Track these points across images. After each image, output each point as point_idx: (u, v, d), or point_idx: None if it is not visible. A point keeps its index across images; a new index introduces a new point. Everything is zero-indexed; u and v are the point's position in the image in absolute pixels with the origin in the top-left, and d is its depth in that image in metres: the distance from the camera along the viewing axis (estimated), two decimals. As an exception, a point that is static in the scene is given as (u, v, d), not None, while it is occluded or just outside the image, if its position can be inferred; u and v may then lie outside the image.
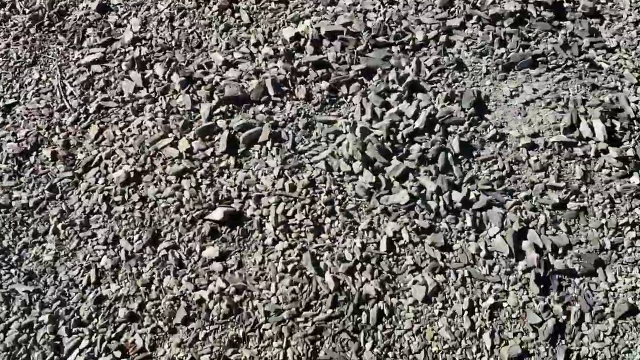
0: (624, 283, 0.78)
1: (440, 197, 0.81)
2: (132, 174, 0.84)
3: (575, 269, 0.78)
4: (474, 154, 0.82)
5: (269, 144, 0.85)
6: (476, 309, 0.74)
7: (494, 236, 0.78)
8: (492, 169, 0.82)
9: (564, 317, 0.73)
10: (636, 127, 0.91)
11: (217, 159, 0.85)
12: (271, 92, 0.87)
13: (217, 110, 0.87)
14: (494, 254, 0.77)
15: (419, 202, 0.79)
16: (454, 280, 0.76)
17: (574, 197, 0.82)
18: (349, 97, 0.89)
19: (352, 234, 0.78)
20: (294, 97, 0.87)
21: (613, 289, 0.78)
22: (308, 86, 0.88)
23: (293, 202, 0.81)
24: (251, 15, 0.96)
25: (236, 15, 0.95)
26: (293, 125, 0.85)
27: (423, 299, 0.75)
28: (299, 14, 0.96)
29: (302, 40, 0.93)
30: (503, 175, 0.82)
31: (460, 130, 0.84)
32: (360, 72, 0.90)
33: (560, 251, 0.80)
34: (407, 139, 0.86)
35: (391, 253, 0.75)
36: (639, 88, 0.94)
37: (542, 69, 0.91)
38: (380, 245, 0.76)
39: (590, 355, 0.73)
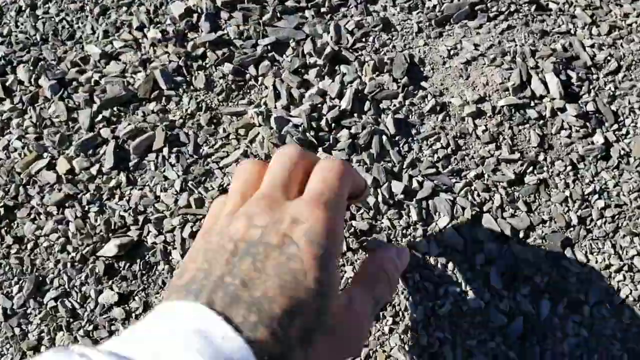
0: (597, 262, 0.69)
1: (378, 190, 0.69)
2: (1, 211, 0.71)
3: (541, 253, 0.69)
4: (413, 132, 0.70)
5: (165, 151, 0.70)
6: (433, 319, 0.64)
7: (445, 228, 0.68)
8: (435, 148, 0.70)
9: (534, 312, 0.64)
10: (594, 76, 0.80)
11: (105, 177, 0.71)
12: (163, 85, 0.70)
13: (100, 117, 0.67)
14: (447, 250, 0.67)
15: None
16: (403, 287, 0.65)
17: (531, 168, 0.72)
18: (259, 79, 0.75)
19: (278, 249, 0.65)
20: (191, 87, 0.71)
21: (585, 270, 0.69)
22: (207, 72, 0.72)
23: (202, 221, 0.68)
24: (132, -9, 0.79)
25: (113, -8, 0.78)
26: (194, 124, 0.70)
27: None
28: (188, -17, 0.80)
29: (195, 16, 0.77)
30: (448, 154, 0.70)
31: (394, 106, 0.71)
32: (269, 48, 0.74)
33: (521, 235, 0.70)
34: (333, 125, 0.72)
35: (327, 266, 0.64)
36: (594, 28, 0.83)
37: (482, 19, 0.79)
38: (313, 258, 0.64)
39: (566, 353, 0.64)
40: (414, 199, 0.65)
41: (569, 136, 0.70)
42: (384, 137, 0.67)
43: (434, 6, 0.74)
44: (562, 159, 0.69)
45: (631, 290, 0.64)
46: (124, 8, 0.73)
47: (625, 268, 0.65)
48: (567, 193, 0.67)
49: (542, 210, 0.67)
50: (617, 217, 0.67)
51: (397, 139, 0.68)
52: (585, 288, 0.64)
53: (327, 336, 0.35)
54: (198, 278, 0.35)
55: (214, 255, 0.35)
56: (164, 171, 0.64)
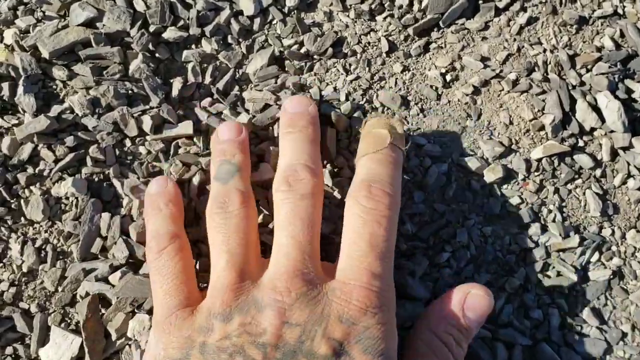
0: None
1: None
2: None
3: None
4: (411, 229, 0.45)
5: None
6: None
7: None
8: (451, 250, 0.46)
9: None
10: (661, 80, 0.55)
11: None
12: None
13: None
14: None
15: None
16: None
17: (596, 256, 0.49)
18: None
19: None
20: (21, 221, 0.43)
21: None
22: (45, 188, 0.43)
23: None
24: None
25: None
26: (37, 290, 0.42)
27: None
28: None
29: (7, 85, 0.45)
30: (474, 255, 0.46)
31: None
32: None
33: None
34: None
35: None
36: (645, -2, 0.58)
37: (487, 13, 0.51)
38: None
39: None
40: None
41: (640, 187, 0.47)
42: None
43: (410, 2, 0.47)
44: (635, 226, 0.46)
45: None
46: None
47: None
48: (651, 285, 0.45)
49: (620, 317, 0.45)
50: None
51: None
52: None
53: None
54: None
55: None
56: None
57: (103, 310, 0.39)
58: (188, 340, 0.30)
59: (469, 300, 0.36)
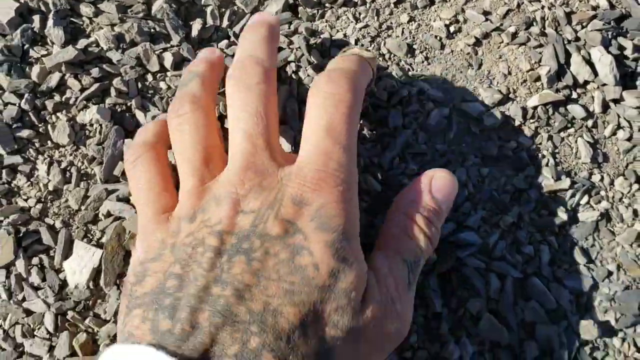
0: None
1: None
2: None
3: (611, 324, 0.51)
4: (413, 167, 0.48)
5: (20, 265, 0.42)
6: None
7: (479, 315, 0.48)
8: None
9: (613, 414, 0.47)
10: (652, 40, 0.59)
11: None
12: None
13: None
14: (485, 347, 0.48)
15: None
16: None
17: (586, 198, 0.52)
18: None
19: None
20: (49, 144, 0.44)
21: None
22: (71, 114, 0.45)
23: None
24: None
25: None
26: (61, 208, 0.45)
27: None
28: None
29: (37, 18, 0.47)
30: (471, 193, 0.49)
31: (370, 135, 0.48)
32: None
33: (584, 300, 0.51)
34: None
35: None
36: (638, -36, 0.61)
37: (489, -31, 0.54)
38: None
39: None
40: (431, 276, 0.45)
41: (629, 138, 0.50)
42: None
43: (417, -43, 0.50)
44: (624, 174, 0.49)
45: None
46: None
47: None
48: (637, 226, 0.48)
49: (606, 257, 0.48)
50: None
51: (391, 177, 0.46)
52: (676, 363, 0.48)
53: (352, 343, 0.28)
54: (170, 286, 0.29)
55: (190, 254, 0.29)
56: (24, 301, 0.40)
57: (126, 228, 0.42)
58: (162, 243, 0.31)
59: (435, 183, 0.37)
